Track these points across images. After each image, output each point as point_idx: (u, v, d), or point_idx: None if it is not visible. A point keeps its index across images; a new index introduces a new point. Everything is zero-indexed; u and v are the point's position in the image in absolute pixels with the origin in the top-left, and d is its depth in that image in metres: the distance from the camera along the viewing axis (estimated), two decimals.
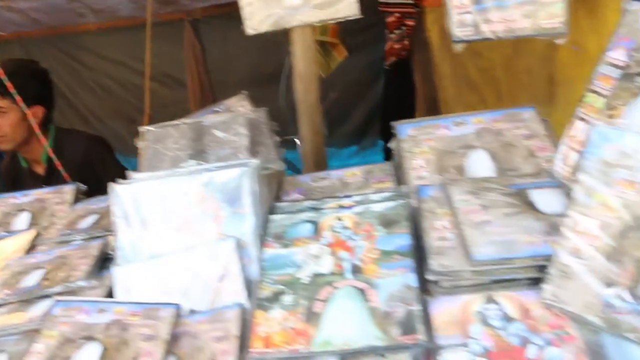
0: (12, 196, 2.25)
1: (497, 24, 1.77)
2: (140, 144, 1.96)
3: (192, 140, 1.89)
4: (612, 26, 1.42)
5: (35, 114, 2.83)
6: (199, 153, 1.85)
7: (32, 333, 1.52)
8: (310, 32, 2.34)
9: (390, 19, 4.33)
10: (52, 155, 2.69)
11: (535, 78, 2.76)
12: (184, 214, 1.64)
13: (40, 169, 3.04)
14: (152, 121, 3.74)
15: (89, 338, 1.43)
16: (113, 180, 1.89)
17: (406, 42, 4.33)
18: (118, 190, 1.68)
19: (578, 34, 1.71)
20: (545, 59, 2.56)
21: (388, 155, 5.22)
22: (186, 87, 5.20)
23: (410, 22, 4.28)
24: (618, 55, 1.37)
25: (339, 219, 1.59)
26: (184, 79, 5.20)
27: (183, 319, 1.46)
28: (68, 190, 2.23)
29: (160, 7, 4.41)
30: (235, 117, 1.94)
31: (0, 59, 2.74)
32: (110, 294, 1.62)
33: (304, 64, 2.37)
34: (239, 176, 1.62)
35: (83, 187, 2.27)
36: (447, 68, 3.87)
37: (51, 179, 2.87)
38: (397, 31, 4.29)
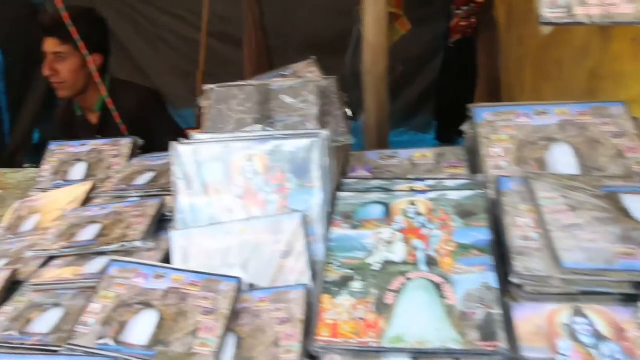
0: (69, 144, 2.20)
1: (594, 7, 1.63)
2: (203, 102, 1.88)
3: (258, 103, 1.80)
4: None
5: (94, 61, 2.77)
6: (265, 118, 1.75)
7: (86, 289, 1.48)
8: (383, 1, 2.25)
9: None
10: (112, 106, 2.64)
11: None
12: (247, 182, 1.56)
13: (94, 118, 3.00)
14: (206, 78, 3.70)
15: (146, 304, 1.37)
16: (165, 135, 1.82)
17: (473, 20, 4.13)
18: (180, 149, 1.59)
19: None
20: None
21: (440, 136, 5.03)
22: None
23: None
24: None
25: (412, 204, 1.50)
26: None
27: (243, 294, 1.40)
28: (125, 143, 2.17)
29: None
30: (305, 83, 1.84)
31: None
32: (166, 258, 1.56)
33: (374, 33, 2.29)
34: (309, 147, 1.54)
35: (140, 141, 2.21)
36: (512, 51, 3.70)
37: (104, 128, 2.84)
38: (464, 7, 4.10)
